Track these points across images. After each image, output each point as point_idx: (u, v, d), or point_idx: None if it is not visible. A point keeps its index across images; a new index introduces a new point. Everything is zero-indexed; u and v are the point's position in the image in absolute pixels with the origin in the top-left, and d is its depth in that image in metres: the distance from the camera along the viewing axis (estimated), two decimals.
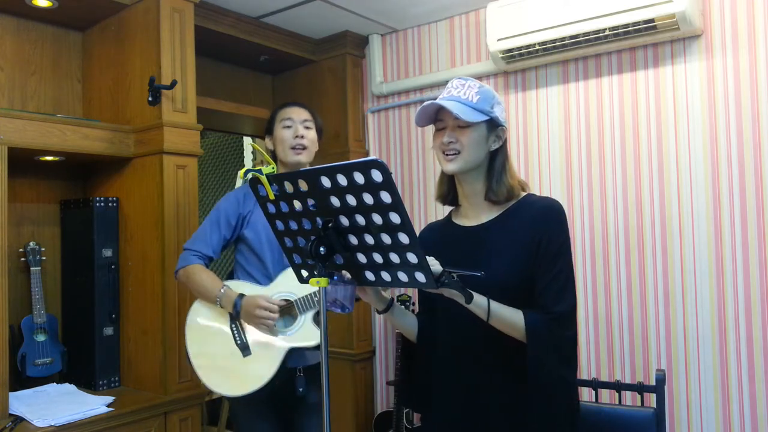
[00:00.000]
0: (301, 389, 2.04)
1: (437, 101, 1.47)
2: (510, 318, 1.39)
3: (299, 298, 2.03)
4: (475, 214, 1.55)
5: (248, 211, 2.13)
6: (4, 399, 2.03)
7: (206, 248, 2.08)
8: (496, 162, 1.51)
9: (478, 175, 1.52)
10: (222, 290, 2.02)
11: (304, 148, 2.16)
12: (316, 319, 2.00)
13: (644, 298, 2.59)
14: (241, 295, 2.00)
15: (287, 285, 2.04)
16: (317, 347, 2.02)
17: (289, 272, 2.01)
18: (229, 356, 2.01)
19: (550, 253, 1.43)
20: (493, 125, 1.50)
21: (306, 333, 2.01)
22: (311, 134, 2.20)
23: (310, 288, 1.95)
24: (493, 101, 1.49)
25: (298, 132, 2.16)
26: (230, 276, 2.21)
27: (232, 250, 2.24)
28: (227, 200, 2.16)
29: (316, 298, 1.96)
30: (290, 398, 2.08)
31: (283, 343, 2.00)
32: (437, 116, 1.52)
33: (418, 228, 1.68)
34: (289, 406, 2.13)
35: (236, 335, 2.03)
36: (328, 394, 1.34)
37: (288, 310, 2.04)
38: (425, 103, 1.48)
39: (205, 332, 2.06)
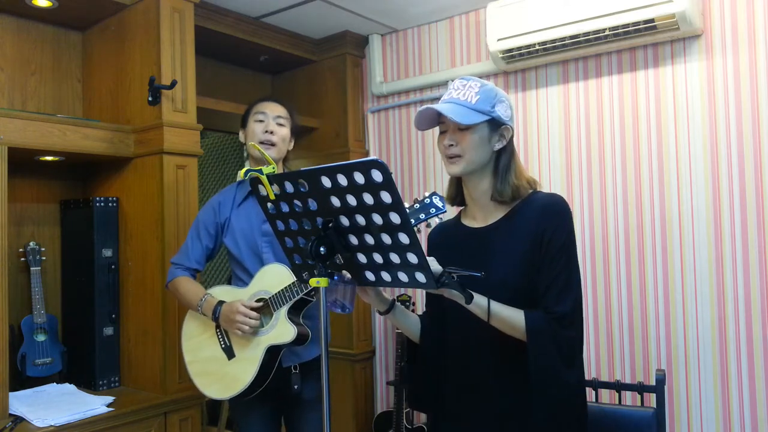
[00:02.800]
0: (296, 386, 2.04)
1: (433, 106, 1.44)
2: (510, 318, 1.38)
3: (272, 296, 1.99)
4: (483, 215, 1.53)
5: (225, 218, 2.15)
6: (4, 399, 2.03)
7: (188, 261, 2.13)
8: (500, 162, 1.48)
9: (484, 175, 1.49)
10: (203, 299, 2.05)
11: (273, 144, 2.12)
12: (289, 316, 1.97)
13: (644, 298, 2.59)
14: (221, 302, 2.01)
15: (262, 284, 2.03)
16: (294, 342, 1.97)
17: (265, 270, 2.04)
18: (217, 360, 2.05)
19: (552, 251, 1.40)
20: (496, 124, 1.47)
21: (280, 330, 1.97)
22: (283, 131, 2.15)
23: (284, 284, 1.96)
24: (494, 100, 1.45)
25: (268, 127, 2.12)
26: (229, 281, 2.26)
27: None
28: (204, 211, 2.18)
29: (288, 293, 1.95)
30: (287, 395, 2.09)
31: (261, 342, 1.99)
32: (440, 118, 1.49)
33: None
34: (286, 403, 2.14)
35: (221, 340, 2.07)
36: (328, 395, 1.34)
37: (267, 309, 2.02)
38: (421, 108, 1.46)
39: (197, 340, 2.12)
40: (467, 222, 1.57)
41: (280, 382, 2.03)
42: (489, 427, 1.46)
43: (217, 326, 2.06)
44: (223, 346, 2.05)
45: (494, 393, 1.45)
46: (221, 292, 2.08)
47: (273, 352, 1.99)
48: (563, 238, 1.41)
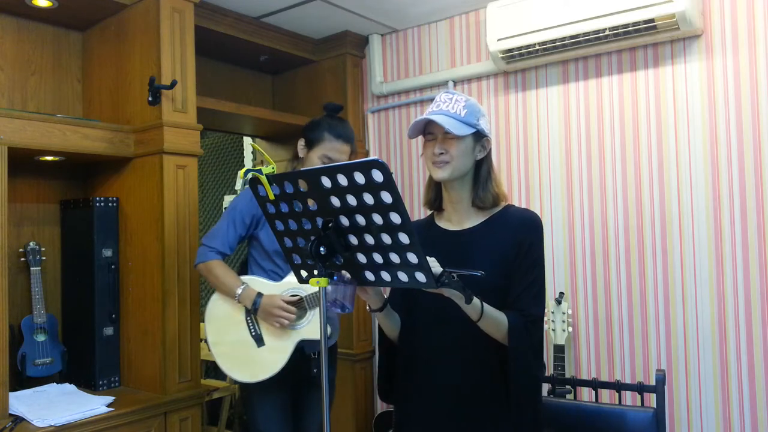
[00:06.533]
0: (315, 370, 2.25)
1: (428, 116, 1.54)
2: (497, 319, 1.47)
3: (308, 295, 2.16)
4: (459, 219, 1.63)
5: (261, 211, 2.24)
6: (4, 399, 2.03)
7: (223, 246, 2.23)
8: (481, 171, 1.61)
9: (465, 183, 1.60)
10: (242, 288, 2.18)
11: None
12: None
13: (644, 298, 2.59)
14: (260, 294, 2.16)
15: (295, 280, 2.18)
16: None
17: None
18: (245, 345, 2.20)
19: (529, 261, 1.54)
20: (479, 136, 1.59)
21: (315, 327, 2.16)
22: None
23: None
24: (478, 114, 1.58)
25: None
26: (243, 266, 2.40)
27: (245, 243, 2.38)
28: (243, 199, 2.27)
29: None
30: (303, 377, 2.28)
31: (293, 336, 2.17)
32: (426, 128, 1.60)
33: None
34: (300, 383, 2.33)
35: (251, 327, 2.21)
36: (328, 397, 1.34)
37: (298, 304, 2.18)
38: (417, 118, 1.56)
39: (222, 323, 2.25)
40: (442, 224, 1.67)
41: (299, 367, 2.22)
42: (460, 419, 1.54)
43: (248, 314, 2.20)
44: (253, 333, 2.20)
45: (465, 388, 1.54)
46: (256, 284, 2.21)
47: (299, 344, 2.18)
48: (539, 250, 1.57)
